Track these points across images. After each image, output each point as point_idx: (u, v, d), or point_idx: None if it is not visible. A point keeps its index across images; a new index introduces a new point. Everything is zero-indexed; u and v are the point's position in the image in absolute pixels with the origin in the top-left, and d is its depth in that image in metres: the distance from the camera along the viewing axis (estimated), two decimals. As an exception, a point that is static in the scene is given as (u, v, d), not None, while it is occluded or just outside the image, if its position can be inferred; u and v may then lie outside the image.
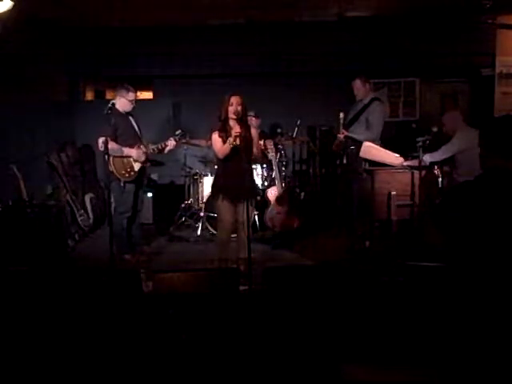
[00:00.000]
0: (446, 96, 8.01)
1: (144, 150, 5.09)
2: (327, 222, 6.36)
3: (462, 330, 2.19)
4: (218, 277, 3.64)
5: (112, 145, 4.89)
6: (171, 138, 5.18)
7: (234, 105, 4.34)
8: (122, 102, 5.07)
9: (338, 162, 6.05)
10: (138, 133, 5.23)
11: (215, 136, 4.41)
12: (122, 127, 5.03)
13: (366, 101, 5.62)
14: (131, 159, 5.05)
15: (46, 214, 5.25)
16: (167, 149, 5.19)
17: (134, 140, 5.11)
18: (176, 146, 5.33)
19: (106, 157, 4.89)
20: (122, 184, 5.02)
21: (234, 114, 4.34)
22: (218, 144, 4.40)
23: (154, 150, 5.14)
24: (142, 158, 5.09)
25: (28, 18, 5.79)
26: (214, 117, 4.49)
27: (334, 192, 6.58)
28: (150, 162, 5.41)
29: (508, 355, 2.07)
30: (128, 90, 5.09)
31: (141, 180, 5.28)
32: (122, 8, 6.24)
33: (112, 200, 5.15)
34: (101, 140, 4.78)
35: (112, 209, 5.25)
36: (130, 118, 5.20)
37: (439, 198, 4.61)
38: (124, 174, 5.02)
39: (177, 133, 5.25)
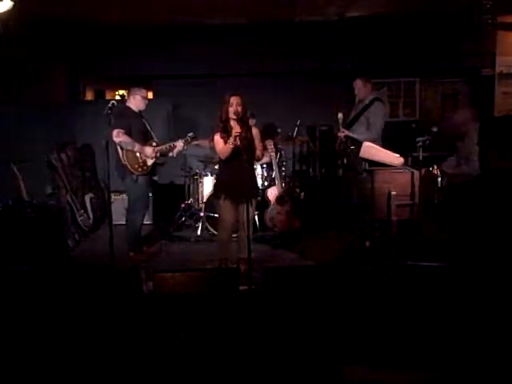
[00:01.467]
0: (446, 96, 8.02)
1: (155, 146, 5.15)
2: (327, 222, 6.36)
3: (463, 330, 2.19)
4: (217, 277, 3.63)
5: (125, 138, 4.93)
6: (180, 140, 5.24)
7: (234, 105, 4.34)
8: (137, 100, 5.16)
9: (339, 162, 6.04)
10: (151, 133, 5.28)
11: (217, 137, 4.42)
12: (135, 127, 5.09)
13: (367, 101, 5.61)
14: (143, 155, 5.10)
15: (46, 214, 5.25)
16: (176, 150, 5.25)
17: (146, 140, 5.16)
18: (184, 149, 5.36)
19: (120, 150, 4.95)
20: (135, 178, 5.06)
21: (234, 114, 4.34)
22: (220, 144, 4.40)
23: (163, 149, 5.20)
24: (153, 155, 5.13)
25: (28, 17, 5.78)
26: (214, 117, 4.49)
27: (334, 192, 6.58)
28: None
29: (509, 355, 2.07)
30: (139, 87, 5.22)
31: (153, 176, 5.37)
32: (121, 8, 6.24)
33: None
34: (116, 131, 4.84)
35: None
36: (143, 119, 5.26)
37: (439, 198, 4.62)
38: (137, 168, 5.06)
39: (189, 134, 5.31)
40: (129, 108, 5.14)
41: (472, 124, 5.06)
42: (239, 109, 4.33)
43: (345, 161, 5.71)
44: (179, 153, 5.36)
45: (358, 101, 5.71)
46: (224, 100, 4.39)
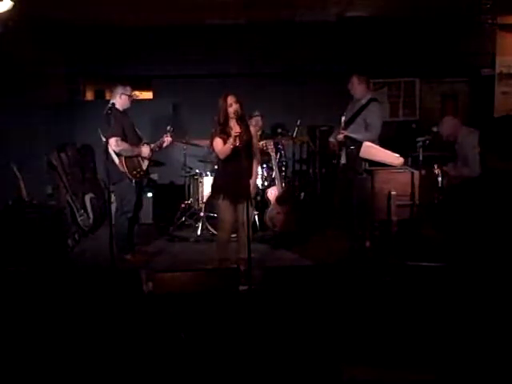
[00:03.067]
0: (446, 96, 8.02)
1: (149, 146, 5.14)
2: (327, 222, 6.36)
3: (462, 331, 2.19)
4: (217, 277, 3.64)
5: (124, 145, 4.91)
6: (167, 135, 5.22)
7: (233, 105, 4.34)
8: (123, 99, 5.08)
9: (334, 162, 6.05)
10: (138, 131, 5.25)
11: (217, 139, 4.41)
12: (126, 126, 5.05)
13: (364, 101, 5.60)
14: (140, 158, 5.09)
15: (46, 214, 5.25)
16: (164, 145, 5.23)
17: (136, 138, 5.14)
18: (172, 143, 5.36)
19: (117, 158, 4.92)
20: (133, 184, 5.04)
21: (235, 113, 4.33)
22: (219, 145, 4.40)
23: (154, 147, 5.19)
24: (151, 154, 5.13)
25: (28, 17, 5.78)
26: (214, 117, 4.48)
27: (334, 192, 6.58)
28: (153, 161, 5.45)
29: (508, 356, 2.07)
30: (124, 85, 5.12)
31: (147, 174, 5.38)
32: (121, 8, 6.24)
33: (113, 200, 5.16)
34: (113, 140, 4.80)
35: (113, 208, 5.27)
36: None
37: (439, 198, 4.62)
38: (135, 174, 5.04)
39: (168, 128, 5.28)
40: (117, 109, 4.95)
41: (459, 130, 5.10)
42: (237, 107, 4.33)
43: (341, 160, 5.70)
44: (166, 147, 5.33)
45: (354, 100, 5.70)
46: (220, 102, 4.38)
